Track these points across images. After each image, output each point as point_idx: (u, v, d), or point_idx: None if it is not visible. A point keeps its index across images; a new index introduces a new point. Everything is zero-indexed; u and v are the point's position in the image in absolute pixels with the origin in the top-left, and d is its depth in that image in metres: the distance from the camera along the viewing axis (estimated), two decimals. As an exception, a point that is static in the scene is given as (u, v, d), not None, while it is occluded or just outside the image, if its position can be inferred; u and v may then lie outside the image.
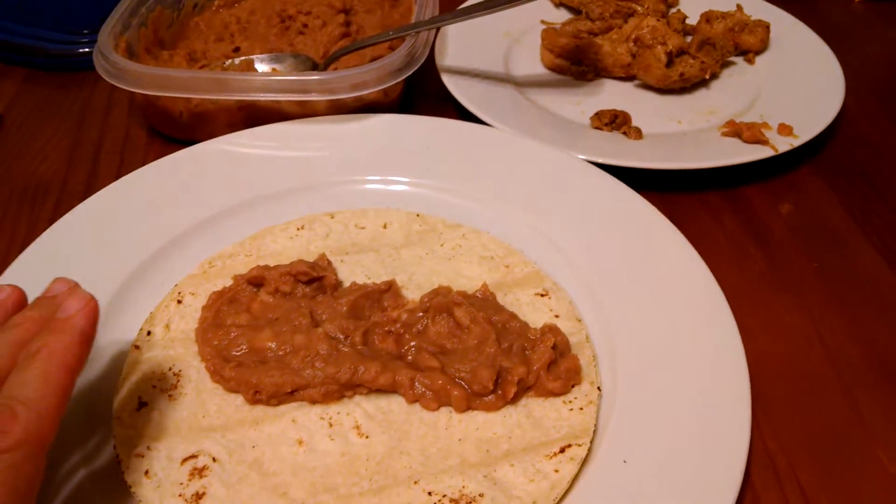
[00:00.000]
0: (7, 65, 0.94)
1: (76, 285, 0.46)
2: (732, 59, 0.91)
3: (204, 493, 0.47)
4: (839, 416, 0.56)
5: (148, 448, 0.50)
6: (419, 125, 0.76)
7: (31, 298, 0.57)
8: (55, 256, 0.62)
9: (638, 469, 0.48)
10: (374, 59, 0.80)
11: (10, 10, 0.98)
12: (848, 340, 0.62)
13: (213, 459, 0.49)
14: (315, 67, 0.84)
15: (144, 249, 0.63)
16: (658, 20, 0.87)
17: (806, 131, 0.76)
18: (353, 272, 0.62)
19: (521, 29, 0.95)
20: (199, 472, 0.49)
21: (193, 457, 0.49)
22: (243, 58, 0.84)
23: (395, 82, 0.74)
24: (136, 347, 0.56)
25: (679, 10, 0.95)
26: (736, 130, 0.76)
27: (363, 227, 0.67)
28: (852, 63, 0.88)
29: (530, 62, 0.91)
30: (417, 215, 0.67)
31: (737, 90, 0.87)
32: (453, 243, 0.65)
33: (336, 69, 0.82)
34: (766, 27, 0.92)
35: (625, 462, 0.49)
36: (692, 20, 0.94)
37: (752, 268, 0.68)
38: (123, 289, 0.60)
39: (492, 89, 0.84)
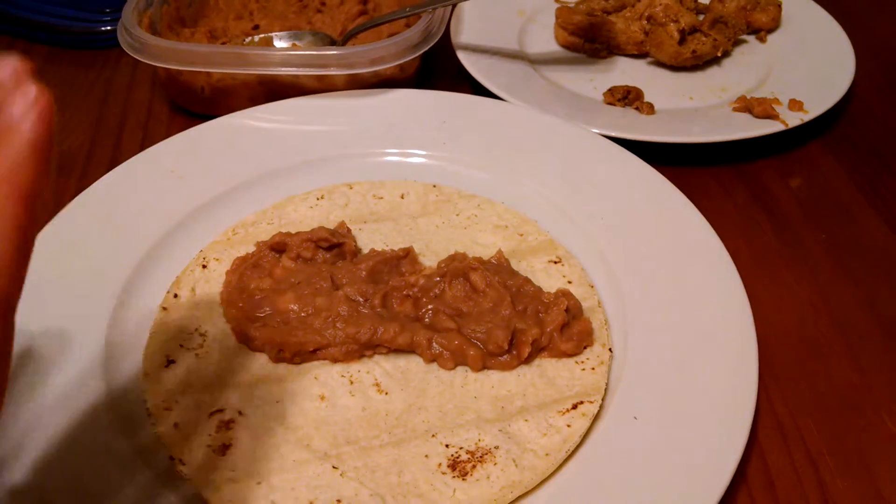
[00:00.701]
0: (30, 42, 0.96)
1: (21, 71, 0.32)
2: (744, 37, 0.92)
3: (231, 444, 0.50)
4: (845, 381, 0.58)
5: (176, 402, 0.52)
6: (435, 99, 0.77)
7: (57, 276, 0.60)
8: (83, 224, 0.64)
9: (648, 425, 0.50)
10: (391, 36, 0.81)
11: (33, -12, 1.00)
12: (854, 308, 0.63)
13: (240, 413, 0.51)
14: (333, 45, 0.85)
15: (170, 217, 0.65)
16: (671, -1, 0.88)
17: (816, 107, 0.77)
18: (372, 240, 0.64)
19: (535, 7, 0.96)
20: (226, 424, 0.51)
21: (220, 411, 0.51)
22: (262, 35, 0.86)
23: (412, 58, 0.75)
24: (164, 309, 0.58)
25: (692, -11, 0.96)
26: (747, 106, 0.77)
27: (381, 198, 0.68)
28: (863, 41, 0.88)
29: (544, 40, 0.92)
30: (434, 186, 0.69)
31: (748, 67, 0.88)
32: (469, 213, 0.67)
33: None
34: (778, 6, 0.93)
35: (635, 418, 0.51)
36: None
37: (762, 239, 0.69)
38: (150, 254, 0.62)
39: (506, 66, 0.85)
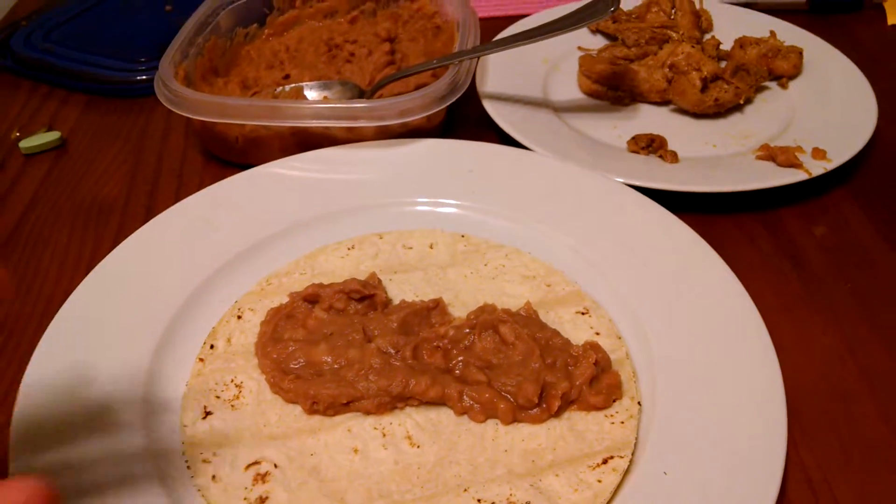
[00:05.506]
0: (70, 91, 0.99)
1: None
2: (766, 84, 0.93)
3: (267, 498, 0.51)
4: (873, 432, 0.58)
5: (214, 454, 0.53)
6: (462, 149, 0.79)
7: (95, 328, 0.61)
8: (122, 275, 0.65)
9: (678, 480, 0.51)
10: (418, 87, 0.83)
11: (73, 39, 1.04)
12: (881, 358, 0.63)
13: (275, 466, 0.52)
14: (362, 94, 0.87)
15: (206, 267, 0.67)
16: (693, 46, 0.90)
17: (839, 155, 0.78)
18: (402, 290, 0.65)
19: (558, 55, 0.98)
20: (262, 477, 0.52)
21: (256, 463, 0.53)
22: (293, 85, 0.89)
23: (439, 109, 0.77)
24: (200, 360, 0.60)
25: (713, 37, 0.97)
26: (770, 154, 0.78)
27: (410, 248, 0.70)
28: (885, 88, 0.89)
29: (568, 88, 0.94)
30: (462, 236, 0.71)
31: (771, 115, 0.89)
32: (496, 263, 0.68)
33: (381, 96, 0.86)
34: (800, 53, 0.94)
35: (665, 474, 0.51)
36: (726, 46, 0.97)
37: (787, 288, 0.70)
38: (187, 305, 0.64)
39: (531, 114, 0.87)
